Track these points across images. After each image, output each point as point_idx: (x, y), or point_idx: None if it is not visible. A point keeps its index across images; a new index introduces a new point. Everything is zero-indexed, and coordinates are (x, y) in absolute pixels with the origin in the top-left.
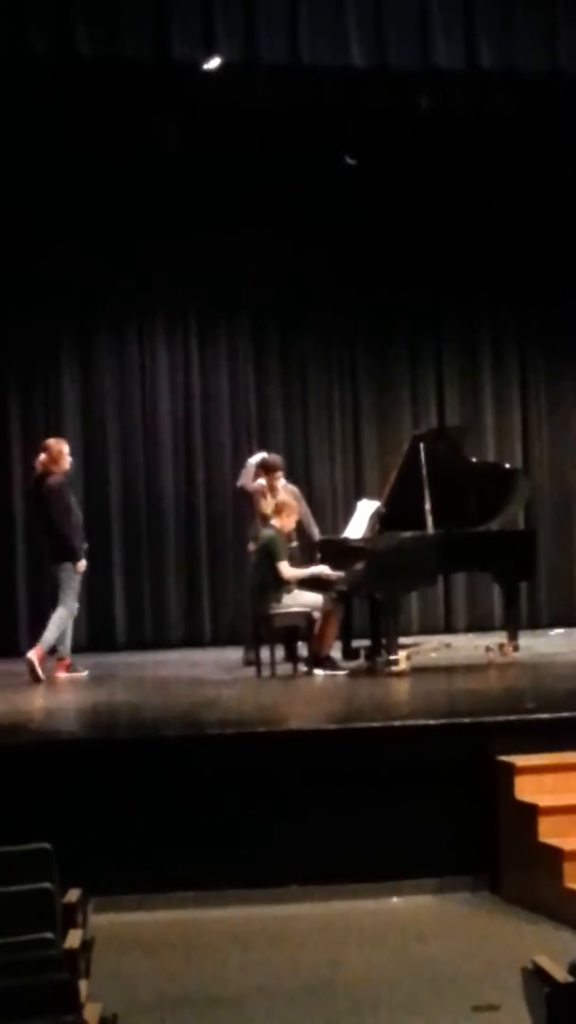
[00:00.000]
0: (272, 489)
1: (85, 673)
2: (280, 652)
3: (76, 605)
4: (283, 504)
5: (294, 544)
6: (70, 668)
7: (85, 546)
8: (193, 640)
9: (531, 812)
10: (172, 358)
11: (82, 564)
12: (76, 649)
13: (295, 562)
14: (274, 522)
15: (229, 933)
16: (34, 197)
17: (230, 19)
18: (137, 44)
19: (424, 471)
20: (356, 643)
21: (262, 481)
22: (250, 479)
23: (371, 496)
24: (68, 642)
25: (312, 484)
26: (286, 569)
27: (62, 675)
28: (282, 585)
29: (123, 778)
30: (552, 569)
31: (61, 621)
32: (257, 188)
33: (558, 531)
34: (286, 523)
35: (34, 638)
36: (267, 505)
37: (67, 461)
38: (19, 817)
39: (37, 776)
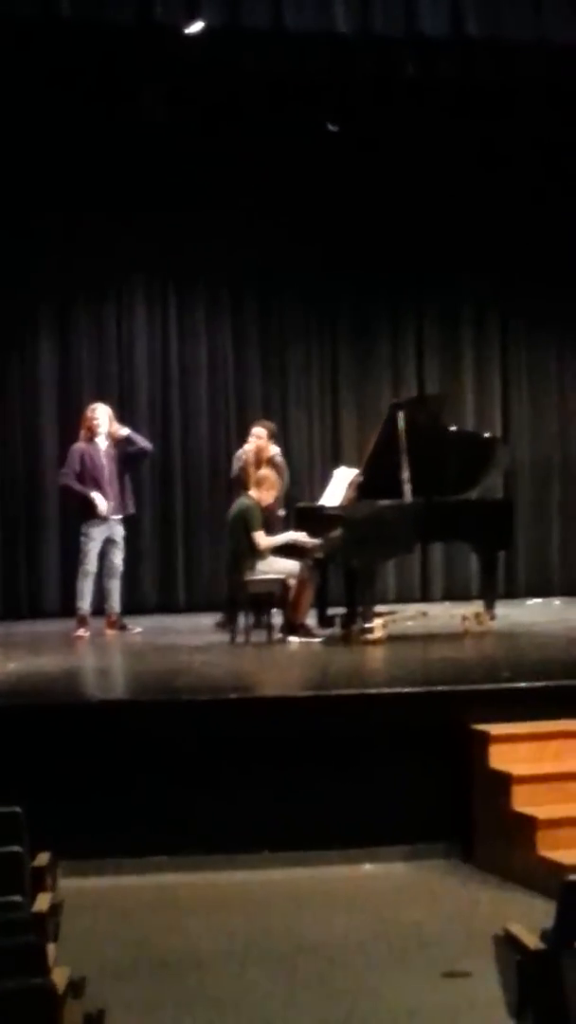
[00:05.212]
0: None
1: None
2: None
3: (86, 567)
4: (263, 478)
5: (282, 512)
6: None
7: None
8: (168, 606)
9: (505, 781)
10: (150, 327)
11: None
12: (50, 614)
13: (276, 530)
14: (252, 493)
15: (200, 898)
16: (12, 163)
17: None
18: (120, 6)
19: (403, 439)
20: (332, 611)
21: (248, 447)
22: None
23: (349, 464)
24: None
25: (290, 451)
26: (261, 538)
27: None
28: (257, 553)
29: (95, 742)
30: (529, 538)
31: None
32: (238, 155)
33: (536, 501)
34: (264, 497)
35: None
36: (254, 475)
37: (93, 426)
38: None
39: (7, 739)
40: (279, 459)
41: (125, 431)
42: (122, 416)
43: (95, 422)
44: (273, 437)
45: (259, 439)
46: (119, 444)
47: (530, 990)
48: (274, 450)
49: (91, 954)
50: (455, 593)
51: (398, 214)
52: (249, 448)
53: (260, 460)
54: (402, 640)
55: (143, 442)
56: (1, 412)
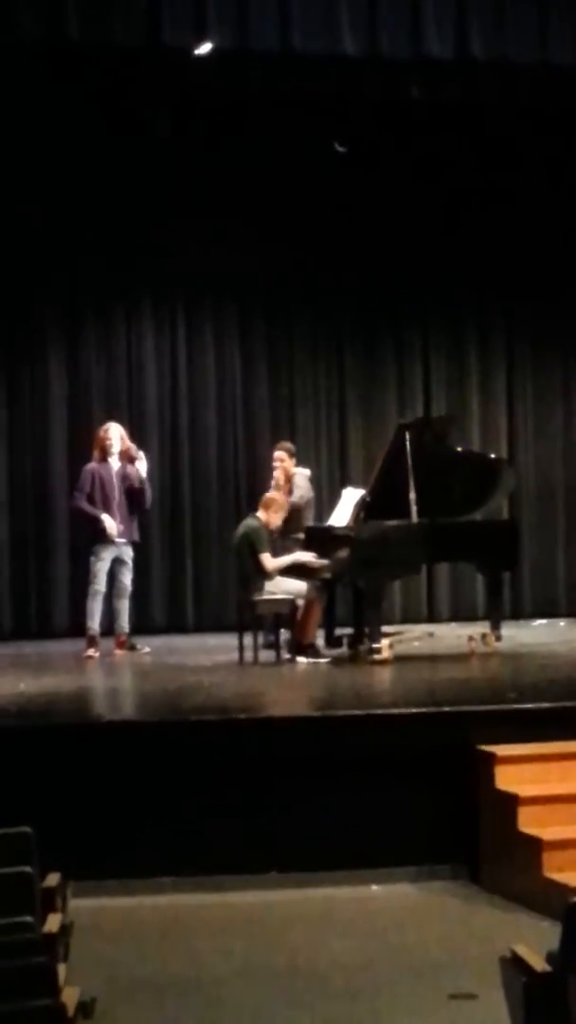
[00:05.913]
0: (286, 478)
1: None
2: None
3: (95, 587)
4: (271, 500)
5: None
6: (124, 645)
7: (105, 527)
8: (176, 627)
9: (511, 801)
10: (159, 345)
11: (100, 545)
12: (60, 633)
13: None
14: (260, 514)
15: (209, 919)
16: (23, 181)
17: (222, 5)
18: (129, 29)
19: (409, 460)
20: (339, 631)
21: (277, 473)
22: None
23: (356, 484)
24: (97, 620)
25: None
26: (268, 560)
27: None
28: (264, 574)
29: (104, 763)
30: (535, 560)
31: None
32: (247, 175)
33: (542, 522)
34: (272, 519)
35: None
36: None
37: (105, 446)
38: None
39: (17, 760)
40: (297, 479)
41: (144, 470)
42: (131, 435)
43: (108, 442)
44: (294, 456)
45: (282, 462)
46: (129, 461)
47: (537, 1012)
48: (298, 471)
49: (100, 975)
50: (461, 614)
51: (403, 235)
52: (278, 474)
53: (288, 483)
54: (409, 660)
55: (147, 497)
56: (11, 432)
